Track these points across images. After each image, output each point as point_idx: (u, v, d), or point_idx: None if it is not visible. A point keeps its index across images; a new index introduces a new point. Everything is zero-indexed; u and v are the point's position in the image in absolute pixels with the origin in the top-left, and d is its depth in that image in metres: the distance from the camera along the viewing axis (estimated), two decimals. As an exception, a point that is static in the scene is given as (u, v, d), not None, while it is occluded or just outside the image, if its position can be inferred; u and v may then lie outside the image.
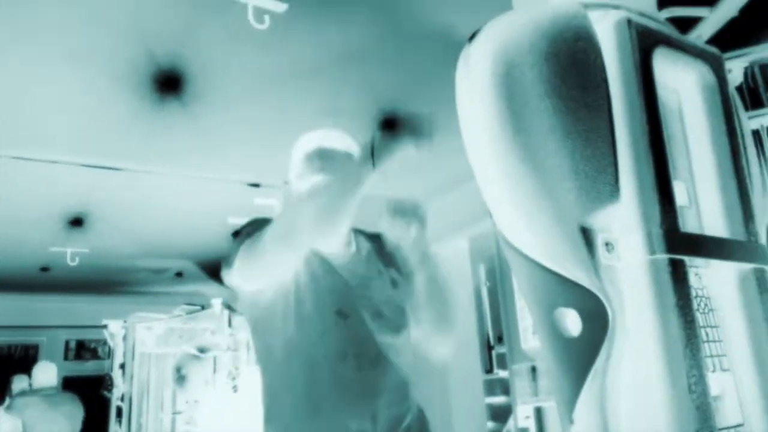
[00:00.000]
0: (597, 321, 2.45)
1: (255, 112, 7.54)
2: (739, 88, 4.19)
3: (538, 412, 7.07)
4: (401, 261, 3.83)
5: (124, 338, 12.61)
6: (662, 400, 2.36)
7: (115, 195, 10.04)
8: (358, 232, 3.96)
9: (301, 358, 3.49)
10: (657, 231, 2.47)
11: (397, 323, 3.76)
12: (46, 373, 10.82)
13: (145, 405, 12.20)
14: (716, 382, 2.72)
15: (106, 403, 12.84)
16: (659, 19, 3.18)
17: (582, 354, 2.48)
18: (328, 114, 7.73)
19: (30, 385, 11.13)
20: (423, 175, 9.62)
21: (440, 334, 3.88)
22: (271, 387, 3.64)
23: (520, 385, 7.20)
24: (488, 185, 2.69)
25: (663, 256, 2.45)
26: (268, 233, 3.31)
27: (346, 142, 3.85)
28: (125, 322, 12.77)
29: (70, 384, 15.02)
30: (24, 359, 16.54)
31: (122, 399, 12.18)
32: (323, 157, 3.69)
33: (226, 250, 3.50)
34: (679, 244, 2.53)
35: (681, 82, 3.04)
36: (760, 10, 4.20)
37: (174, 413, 11.96)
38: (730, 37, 4.18)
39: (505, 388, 8.41)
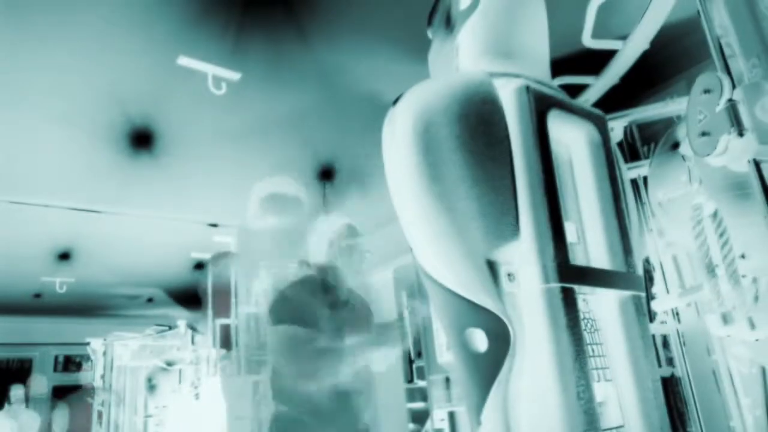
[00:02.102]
0: (501, 339, 2.45)
1: (214, 163, 7.53)
2: (620, 144, 4.22)
3: (452, 416, 7.06)
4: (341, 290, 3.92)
5: (104, 353, 12.49)
6: (556, 405, 2.36)
7: (97, 233, 9.99)
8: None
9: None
10: (551, 264, 2.47)
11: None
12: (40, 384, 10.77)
13: (121, 409, 12.06)
14: (601, 390, 2.73)
15: (89, 407, 12.70)
16: (553, 85, 3.20)
17: (488, 367, 2.48)
18: (276, 165, 7.72)
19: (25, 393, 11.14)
20: (355, 217, 9.62)
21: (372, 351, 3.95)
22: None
23: (436, 393, 7.19)
24: (409, 225, 2.68)
25: (556, 285, 2.45)
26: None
27: (295, 188, 3.95)
28: (105, 340, 12.66)
29: (59, 392, 14.91)
30: (20, 371, 16.40)
31: (102, 404, 12.05)
32: (275, 200, 3.79)
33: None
34: (569, 275, 2.53)
35: (571, 138, 3.05)
36: (637, 78, 4.24)
37: (146, 416, 11.86)
38: (613, 101, 4.21)
39: (423, 395, 8.42)
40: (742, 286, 3.05)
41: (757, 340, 3.05)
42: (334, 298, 3.82)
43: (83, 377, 15.20)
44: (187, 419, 9.56)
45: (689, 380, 4.29)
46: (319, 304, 3.73)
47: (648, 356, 2.84)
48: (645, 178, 4.44)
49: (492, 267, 2.52)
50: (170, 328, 12.12)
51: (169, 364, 10.87)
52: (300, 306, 3.75)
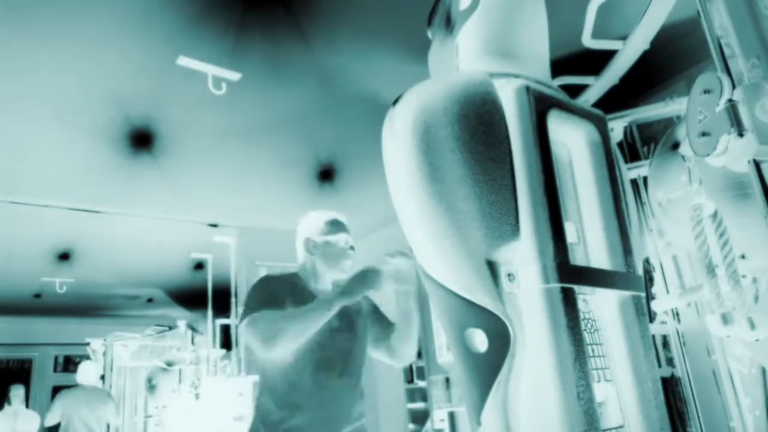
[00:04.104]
0: (501, 339, 2.45)
1: (214, 163, 7.53)
2: (619, 144, 4.22)
3: (451, 416, 7.07)
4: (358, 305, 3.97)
5: (104, 354, 12.51)
6: (555, 405, 2.36)
7: (97, 234, 10.00)
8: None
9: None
10: (551, 264, 2.47)
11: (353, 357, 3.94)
12: (87, 373, 10.65)
13: (121, 410, 12.08)
14: (601, 391, 2.72)
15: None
16: (553, 85, 3.20)
17: (488, 367, 2.48)
18: (276, 165, 7.72)
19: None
20: (355, 217, 9.65)
21: (406, 347, 4.01)
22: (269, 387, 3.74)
23: (436, 393, 7.19)
24: (409, 225, 2.69)
25: (556, 285, 2.45)
26: (284, 329, 3.47)
27: (344, 217, 4.08)
28: (105, 340, 12.68)
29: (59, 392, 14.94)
30: (20, 372, 16.43)
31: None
32: (338, 225, 3.91)
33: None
34: (569, 275, 2.53)
35: (571, 138, 3.05)
36: (637, 79, 4.24)
37: (146, 417, 11.89)
38: (613, 101, 4.21)
39: (423, 395, 8.41)
40: (742, 287, 3.05)
41: (757, 340, 3.05)
42: (302, 300, 3.83)
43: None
44: (187, 419, 9.55)
45: (689, 380, 4.29)
46: (289, 302, 3.75)
47: (648, 356, 2.84)
48: (645, 178, 4.44)
49: (492, 267, 2.52)
50: (170, 328, 12.14)
51: (169, 364, 10.87)
52: (275, 295, 3.77)
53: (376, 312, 4.17)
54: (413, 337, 4.04)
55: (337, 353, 3.77)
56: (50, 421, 10.14)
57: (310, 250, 3.96)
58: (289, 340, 3.48)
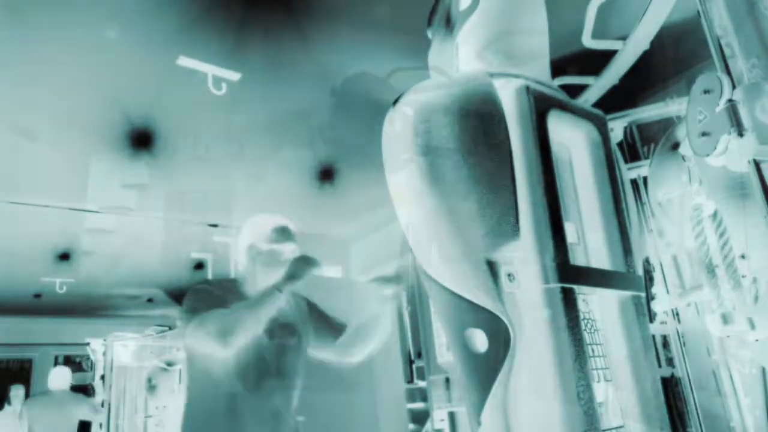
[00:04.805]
0: (500, 339, 2.45)
1: (214, 164, 7.50)
2: (619, 144, 4.22)
3: (452, 416, 7.05)
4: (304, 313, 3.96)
5: (104, 354, 12.46)
6: (556, 405, 2.36)
7: (97, 234, 9.98)
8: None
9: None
10: (551, 264, 2.48)
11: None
12: (57, 378, 10.64)
13: (122, 410, 12.03)
14: (601, 391, 2.73)
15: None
16: (553, 85, 3.20)
17: (488, 367, 2.48)
18: (276, 165, 7.71)
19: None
20: (355, 217, 9.63)
21: (360, 349, 3.97)
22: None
23: (436, 393, 7.15)
24: (409, 225, 2.69)
25: (556, 285, 2.46)
26: (240, 320, 3.37)
27: (293, 224, 3.92)
28: (105, 340, 12.62)
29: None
30: (20, 372, 16.41)
31: (102, 405, 12.01)
32: (285, 233, 3.74)
33: (180, 313, 3.46)
34: (570, 275, 2.53)
35: (571, 138, 3.06)
36: (637, 79, 4.24)
37: (146, 417, 11.83)
38: (612, 101, 4.21)
39: (423, 395, 8.37)
40: (742, 287, 3.06)
41: (757, 340, 3.05)
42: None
43: (83, 378, 15.20)
44: (187, 419, 9.54)
45: (689, 380, 4.28)
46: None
47: (648, 356, 2.84)
48: (645, 178, 4.44)
49: (492, 267, 2.52)
50: (170, 328, 12.11)
51: (169, 364, 10.83)
52: (217, 300, 3.67)
53: (317, 315, 4.08)
54: (372, 343, 4.00)
55: (278, 361, 3.67)
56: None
57: (253, 257, 3.79)
58: (246, 331, 3.37)
